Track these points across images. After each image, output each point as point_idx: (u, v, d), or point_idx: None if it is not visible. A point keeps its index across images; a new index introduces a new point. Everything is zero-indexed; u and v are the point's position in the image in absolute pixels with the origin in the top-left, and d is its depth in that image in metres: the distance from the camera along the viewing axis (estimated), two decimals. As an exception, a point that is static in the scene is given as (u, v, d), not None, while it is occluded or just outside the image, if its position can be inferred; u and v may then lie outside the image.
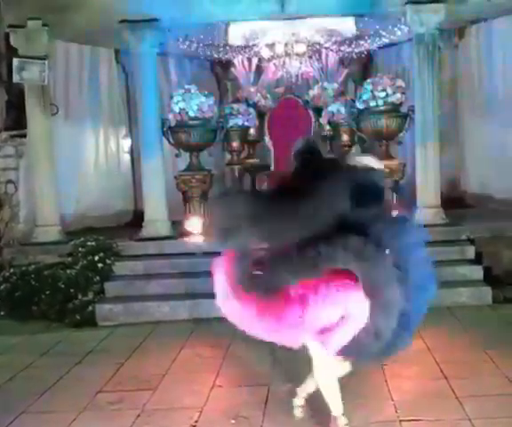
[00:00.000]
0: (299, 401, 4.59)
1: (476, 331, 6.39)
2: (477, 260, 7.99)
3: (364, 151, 10.28)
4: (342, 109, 9.82)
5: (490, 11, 9.29)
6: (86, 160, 10.39)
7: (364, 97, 8.83)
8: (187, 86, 9.21)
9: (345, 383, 5.18)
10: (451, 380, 5.16)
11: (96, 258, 8.16)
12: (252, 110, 10.29)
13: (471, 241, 8.20)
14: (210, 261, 4.20)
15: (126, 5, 8.37)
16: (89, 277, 8.00)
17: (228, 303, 4.02)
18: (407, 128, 8.95)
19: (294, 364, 4.93)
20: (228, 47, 10.45)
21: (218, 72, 11.47)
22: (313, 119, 10.33)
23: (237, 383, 5.43)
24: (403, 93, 8.80)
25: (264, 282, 3.86)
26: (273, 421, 4.61)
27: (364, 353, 3.99)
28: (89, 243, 8.37)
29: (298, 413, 4.57)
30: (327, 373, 4.15)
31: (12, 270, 8.32)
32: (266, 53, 10.48)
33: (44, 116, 9.00)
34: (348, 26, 10.15)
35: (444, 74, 9.86)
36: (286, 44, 10.16)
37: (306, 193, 3.81)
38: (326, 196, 3.82)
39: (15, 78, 8.84)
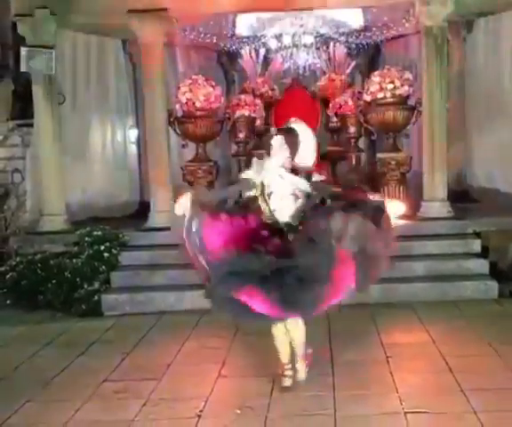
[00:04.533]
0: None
1: (482, 325, 6.38)
2: (483, 254, 7.98)
3: (372, 145, 10.29)
4: (349, 101, 9.80)
5: (498, 4, 9.25)
6: (93, 150, 10.37)
7: (372, 89, 8.82)
8: (194, 77, 9.20)
9: (351, 375, 5.22)
10: (456, 373, 5.15)
11: (102, 248, 8.17)
12: (258, 101, 10.27)
13: (477, 235, 8.19)
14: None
15: (134, -5, 8.37)
16: (95, 266, 8.01)
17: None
18: (414, 121, 8.93)
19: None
20: (235, 38, 10.42)
21: (224, 63, 11.45)
22: (320, 111, 10.30)
23: (242, 374, 5.44)
24: (410, 86, 8.79)
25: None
26: (278, 411, 4.62)
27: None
28: (95, 233, 8.37)
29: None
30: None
31: (18, 259, 8.34)
32: (273, 44, 10.45)
33: (50, 106, 8.99)
34: (355, 17, 10.11)
35: (451, 67, 9.81)
36: (294, 36, 10.12)
37: None
38: None
39: (22, 67, 8.83)
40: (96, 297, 7.70)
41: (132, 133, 11.03)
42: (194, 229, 4.56)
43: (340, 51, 10.46)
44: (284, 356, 5.00)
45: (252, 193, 4.74)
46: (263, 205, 4.71)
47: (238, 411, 4.66)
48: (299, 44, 10.21)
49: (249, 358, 5.76)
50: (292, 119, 4.86)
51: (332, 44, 10.45)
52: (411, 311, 6.94)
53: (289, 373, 5.00)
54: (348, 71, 10.59)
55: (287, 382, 4.99)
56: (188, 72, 10.50)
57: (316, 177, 4.72)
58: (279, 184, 4.66)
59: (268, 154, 4.70)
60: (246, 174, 4.87)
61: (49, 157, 9.02)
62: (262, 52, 10.69)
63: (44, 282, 7.98)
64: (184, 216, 4.61)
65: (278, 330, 4.90)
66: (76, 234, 8.49)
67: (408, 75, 8.82)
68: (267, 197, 4.69)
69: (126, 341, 6.47)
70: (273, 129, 4.90)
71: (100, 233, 8.36)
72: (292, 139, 4.62)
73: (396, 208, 4.83)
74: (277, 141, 4.62)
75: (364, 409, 4.57)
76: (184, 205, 4.64)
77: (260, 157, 4.90)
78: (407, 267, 7.74)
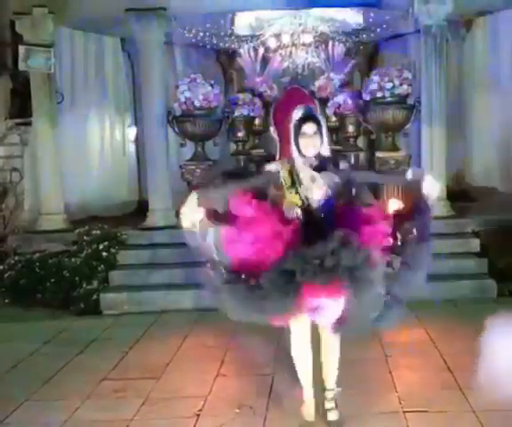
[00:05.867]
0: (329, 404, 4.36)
1: (480, 324, 6.36)
2: (482, 253, 7.97)
3: (371, 144, 10.30)
4: (348, 100, 9.79)
5: (497, 2, 9.25)
6: (91, 149, 10.36)
7: (371, 88, 8.81)
8: (192, 75, 9.19)
9: (349, 374, 5.20)
10: (455, 372, 5.16)
11: (101, 247, 8.17)
12: (257, 100, 10.26)
13: (476, 234, 8.18)
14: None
15: (133, -7, 8.36)
16: (93, 265, 8.01)
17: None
18: (413, 120, 8.92)
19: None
20: (234, 37, 10.41)
21: (223, 61, 11.44)
22: (319, 110, 10.28)
23: (242, 372, 5.44)
24: (409, 85, 8.78)
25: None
26: (277, 410, 4.61)
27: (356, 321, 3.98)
28: (94, 231, 8.38)
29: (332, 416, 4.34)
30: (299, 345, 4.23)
31: (16, 258, 8.35)
32: (272, 43, 10.44)
33: (49, 104, 9.00)
34: (355, 16, 10.10)
35: (450, 66, 9.80)
36: (293, 34, 10.12)
37: None
38: None
39: (21, 66, 8.83)
40: (95, 296, 7.70)
41: (131, 132, 11.03)
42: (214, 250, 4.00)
43: (338, 50, 10.44)
44: (308, 379, 4.32)
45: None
46: (292, 195, 4.13)
47: (237, 410, 4.66)
48: (297, 43, 10.20)
49: (248, 357, 5.76)
50: (302, 105, 4.37)
51: (330, 42, 10.44)
52: (409, 310, 6.91)
53: (313, 406, 4.34)
54: (347, 70, 10.57)
55: (311, 417, 4.32)
56: (186, 71, 10.49)
57: (343, 165, 4.25)
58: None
59: (296, 142, 4.15)
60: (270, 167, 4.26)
61: (47, 156, 9.02)
62: (261, 51, 10.67)
63: (43, 281, 7.98)
64: (194, 229, 3.96)
65: (306, 338, 4.21)
66: (75, 233, 8.50)
67: (407, 74, 8.81)
68: (298, 187, 4.13)
69: (125, 340, 6.47)
70: (300, 113, 4.21)
71: (98, 232, 8.38)
72: (320, 126, 4.15)
73: (431, 187, 4.27)
74: (311, 129, 4.11)
75: (363, 408, 4.57)
76: (190, 215, 3.96)
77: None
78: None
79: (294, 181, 4.12)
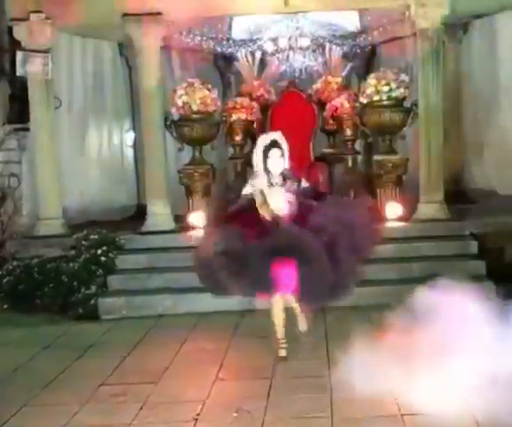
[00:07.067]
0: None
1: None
2: (481, 255, 7.97)
3: (368, 147, 10.32)
4: (346, 103, 9.80)
5: (494, 5, 9.27)
6: (89, 154, 10.37)
7: (368, 91, 8.82)
8: (190, 80, 9.20)
9: (348, 377, 5.19)
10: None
11: (99, 251, 8.16)
12: (255, 104, 10.27)
13: (474, 236, 8.19)
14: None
15: (130, -1, 8.39)
16: (92, 270, 8.00)
17: None
18: (410, 123, 8.93)
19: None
20: (231, 41, 10.44)
21: (221, 66, 11.46)
22: (316, 113, 10.31)
23: (240, 376, 5.44)
24: (406, 88, 8.80)
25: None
26: (275, 414, 4.61)
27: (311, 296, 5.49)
28: (92, 236, 8.37)
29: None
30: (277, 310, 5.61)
31: (15, 264, 8.35)
32: (269, 47, 10.48)
33: (47, 110, 9.00)
34: (351, 20, 10.13)
35: (447, 68, 9.83)
36: (290, 38, 10.15)
37: None
38: None
39: (19, 71, 8.85)
40: (93, 301, 7.69)
41: (129, 137, 11.03)
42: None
43: (336, 53, 10.48)
44: (281, 331, 5.65)
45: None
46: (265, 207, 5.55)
47: (235, 414, 4.65)
48: (295, 47, 10.23)
49: (246, 360, 5.77)
50: (272, 133, 5.87)
51: (328, 46, 10.46)
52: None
53: (284, 345, 5.66)
54: (345, 73, 10.59)
55: (283, 353, 5.66)
56: (184, 75, 10.50)
57: (303, 183, 5.70)
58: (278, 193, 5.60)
59: (265, 164, 5.61)
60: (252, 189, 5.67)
61: (45, 161, 9.02)
62: (258, 55, 10.70)
63: (41, 286, 7.98)
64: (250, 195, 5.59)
65: (279, 306, 5.58)
66: (73, 238, 8.49)
67: (404, 77, 8.83)
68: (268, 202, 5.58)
69: (123, 344, 6.46)
70: (265, 141, 5.69)
71: (96, 237, 8.36)
72: (283, 151, 5.63)
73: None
74: (278, 153, 5.58)
75: (362, 412, 4.56)
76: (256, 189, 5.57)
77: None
78: (404, 269, 7.74)
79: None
